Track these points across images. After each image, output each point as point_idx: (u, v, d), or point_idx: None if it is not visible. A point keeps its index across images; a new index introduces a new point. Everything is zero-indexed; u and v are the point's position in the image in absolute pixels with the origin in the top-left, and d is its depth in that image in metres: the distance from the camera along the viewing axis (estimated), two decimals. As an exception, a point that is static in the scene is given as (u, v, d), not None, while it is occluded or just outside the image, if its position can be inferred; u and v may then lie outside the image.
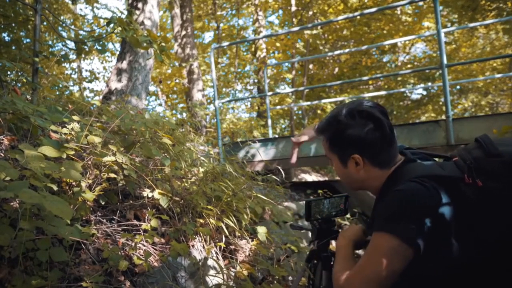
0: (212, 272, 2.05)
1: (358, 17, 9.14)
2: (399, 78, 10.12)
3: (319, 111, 10.47)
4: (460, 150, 1.10)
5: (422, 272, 1.02)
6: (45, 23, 5.03)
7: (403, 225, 0.94)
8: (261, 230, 2.43)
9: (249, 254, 2.37)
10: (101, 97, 4.58)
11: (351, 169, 1.12)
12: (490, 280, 0.97)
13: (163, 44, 2.50)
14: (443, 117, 3.61)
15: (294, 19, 10.11)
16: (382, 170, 1.10)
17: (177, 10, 9.24)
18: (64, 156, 1.62)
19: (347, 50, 6.74)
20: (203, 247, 2.15)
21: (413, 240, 0.93)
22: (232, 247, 2.36)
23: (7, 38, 3.36)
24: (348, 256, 1.13)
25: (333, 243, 1.33)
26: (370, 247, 0.97)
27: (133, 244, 1.79)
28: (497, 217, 0.95)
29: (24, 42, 3.75)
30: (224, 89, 12.12)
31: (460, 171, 1.02)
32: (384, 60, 12.44)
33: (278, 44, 9.81)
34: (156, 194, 1.99)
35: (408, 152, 1.14)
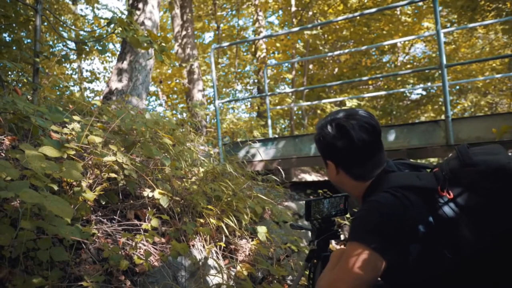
0: (212, 271, 2.05)
1: (358, 17, 9.14)
2: (399, 78, 10.12)
3: (319, 111, 10.47)
4: (442, 160, 1.11)
5: (400, 280, 1.02)
6: (45, 24, 5.03)
7: (373, 234, 0.95)
8: (261, 230, 2.44)
9: (249, 254, 2.38)
10: (101, 97, 4.58)
11: (330, 171, 1.19)
12: (469, 285, 0.95)
13: (164, 44, 2.50)
14: (443, 117, 3.61)
15: (294, 20, 10.11)
16: (356, 181, 1.13)
17: (177, 11, 9.24)
18: (65, 156, 1.63)
19: (347, 51, 6.73)
20: (203, 246, 2.15)
21: (383, 249, 0.93)
22: (232, 246, 2.36)
23: (8, 39, 3.36)
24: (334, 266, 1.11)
25: (333, 243, 1.33)
26: (343, 257, 0.97)
27: (133, 244, 1.79)
28: (473, 227, 0.94)
29: (25, 42, 3.75)
30: (224, 89, 12.12)
31: (437, 182, 1.02)
32: (384, 60, 12.44)
33: (278, 45, 9.81)
34: (156, 194, 2.00)
35: (391, 163, 1.15)
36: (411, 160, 1.23)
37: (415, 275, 0.99)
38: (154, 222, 1.90)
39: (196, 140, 3.62)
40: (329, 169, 1.18)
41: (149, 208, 2.10)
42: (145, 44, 2.45)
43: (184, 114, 8.87)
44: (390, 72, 10.99)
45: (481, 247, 0.93)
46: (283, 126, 12.33)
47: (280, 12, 12.28)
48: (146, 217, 2.04)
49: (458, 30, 9.81)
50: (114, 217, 1.96)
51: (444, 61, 3.09)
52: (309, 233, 1.49)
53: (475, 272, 0.94)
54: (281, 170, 3.77)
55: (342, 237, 4.16)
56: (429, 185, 1.01)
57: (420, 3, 9.39)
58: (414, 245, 0.96)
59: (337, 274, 0.95)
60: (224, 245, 2.25)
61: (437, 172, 1.05)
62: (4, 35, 3.35)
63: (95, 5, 9.88)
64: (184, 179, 2.59)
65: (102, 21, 10.64)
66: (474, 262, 0.94)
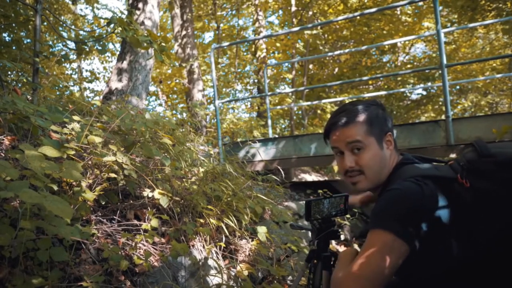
0: (212, 272, 2.05)
1: (358, 17, 9.14)
2: (399, 78, 10.12)
3: (319, 111, 10.47)
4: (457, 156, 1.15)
5: (418, 272, 1.03)
6: (45, 23, 5.03)
7: (397, 221, 0.95)
8: (261, 230, 2.44)
9: (249, 254, 2.38)
10: (101, 97, 4.58)
11: (386, 150, 1.16)
12: (486, 279, 0.97)
13: (163, 44, 2.50)
14: (443, 117, 3.61)
15: (294, 19, 10.10)
16: (396, 152, 1.18)
17: (177, 10, 9.24)
18: (65, 156, 1.63)
19: (347, 50, 6.74)
20: (203, 247, 2.15)
21: (407, 235, 0.94)
22: (232, 247, 2.36)
23: (7, 38, 3.36)
24: (351, 260, 1.09)
25: (333, 243, 1.33)
26: (365, 244, 0.97)
27: (133, 244, 1.79)
28: (490, 216, 0.96)
29: (25, 42, 3.75)
30: (224, 89, 12.12)
31: (454, 172, 1.05)
32: (384, 60, 12.44)
33: (278, 44, 9.79)
34: (156, 194, 2.00)
35: (408, 155, 1.18)
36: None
37: (436, 265, 1.00)
38: (154, 222, 1.90)
39: (196, 140, 3.62)
40: (385, 146, 1.15)
41: (149, 208, 2.10)
42: (145, 44, 2.45)
43: (184, 114, 8.87)
44: (390, 72, 10.99)
45: (497, 237, 0.95)
46: (283, 126, 12.32)
47: (280, 12, 12.28)
48: (146, 217, 2.04)
49: (458, 30, 9.81)
50: (114, 217, 1.96)
51: (444, 61, 3.09)
52: (309, 233, 1.48)
53: (490, 263, 0.96)
54: (281, 170, 3.77)
55: (342, 237, 4.17)
56: (448, 175, 1.04)
57: (420, 3, 9.39)
58: (434, 233, 0.97)
59: (360, 262, 0.94)
60: (224, 245, 2.25)
61: (453, 164, 1.08)
62: (4, 35, 3.35)
63: (95, 5, 9.89)
64: (184, 179, 2.59)
65: (102, 21, 10.65)
66: (489, 253, 0.95)
